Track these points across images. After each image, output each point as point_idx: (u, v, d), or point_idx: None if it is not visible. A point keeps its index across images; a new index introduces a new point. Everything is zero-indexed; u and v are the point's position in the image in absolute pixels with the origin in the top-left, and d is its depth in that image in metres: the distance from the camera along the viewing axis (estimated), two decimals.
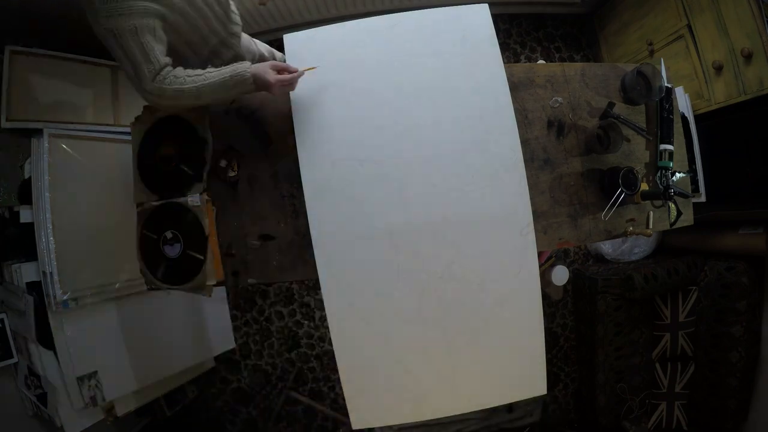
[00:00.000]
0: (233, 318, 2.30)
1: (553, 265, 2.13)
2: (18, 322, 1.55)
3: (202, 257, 1.05)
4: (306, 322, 2.23)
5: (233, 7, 1.09)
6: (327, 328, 1.02)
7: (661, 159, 1.14)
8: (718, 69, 1.62)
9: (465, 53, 1.04)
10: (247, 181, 1.09)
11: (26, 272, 1.55)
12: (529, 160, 1.07)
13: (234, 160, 1.09)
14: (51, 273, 1.50)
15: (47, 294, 1.51)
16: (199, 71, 0.89)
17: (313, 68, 0.97)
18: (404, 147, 1.01)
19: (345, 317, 1.00)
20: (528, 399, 1.05)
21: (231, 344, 2.14)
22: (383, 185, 1.00)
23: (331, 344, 1.07)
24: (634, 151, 1.16)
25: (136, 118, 1.13)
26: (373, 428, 1.03)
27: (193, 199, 1.07)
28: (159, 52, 0.84)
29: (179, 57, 0.95)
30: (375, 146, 1.01)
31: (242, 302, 2.31)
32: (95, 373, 1.60)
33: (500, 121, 1.02)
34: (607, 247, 2.26)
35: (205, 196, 1.08)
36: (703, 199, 1.54)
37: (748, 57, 1.50)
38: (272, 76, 0.88)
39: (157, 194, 1.09)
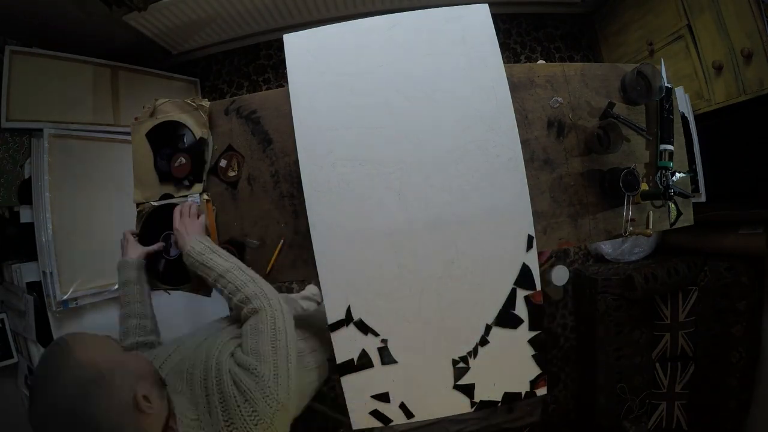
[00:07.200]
0: None
1: (553, 265, 2.13)
2: (18, 322, 1.55)
3: None
4: None
5: None
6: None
7: (661, 159, 1.14)
8: (718, 69, 1.62)
9: (465, 53, 1.04)
10: (247, 181, 1.09)
11: (26, 272, 1.55)
12: (529, 160, 1.07)
13: (234, 160, 1.09)
14: (51, 273, 1.50)
15: (47, 294, 1.52)
16: None
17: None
18: (404, 147, 1.01)
19: (344, 317, 1.00)
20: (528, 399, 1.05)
21: None
22: (383, 185, 1.00)
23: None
24: (634, 151, 1.16)
25: (136, 118, 1.13)
26: (373, 428, 1.03)
27: (193, 199, 1.07)
28: None
29: None
30: (375, 146, 1.01)
31: None
32: None
33: (500, 121, 1.02)
34: (607, 247, 2.26)
35: (205, 196, 1.08)
36: (703, 199, 1.54)
37: (748, 57, 1.51)
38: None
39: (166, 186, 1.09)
